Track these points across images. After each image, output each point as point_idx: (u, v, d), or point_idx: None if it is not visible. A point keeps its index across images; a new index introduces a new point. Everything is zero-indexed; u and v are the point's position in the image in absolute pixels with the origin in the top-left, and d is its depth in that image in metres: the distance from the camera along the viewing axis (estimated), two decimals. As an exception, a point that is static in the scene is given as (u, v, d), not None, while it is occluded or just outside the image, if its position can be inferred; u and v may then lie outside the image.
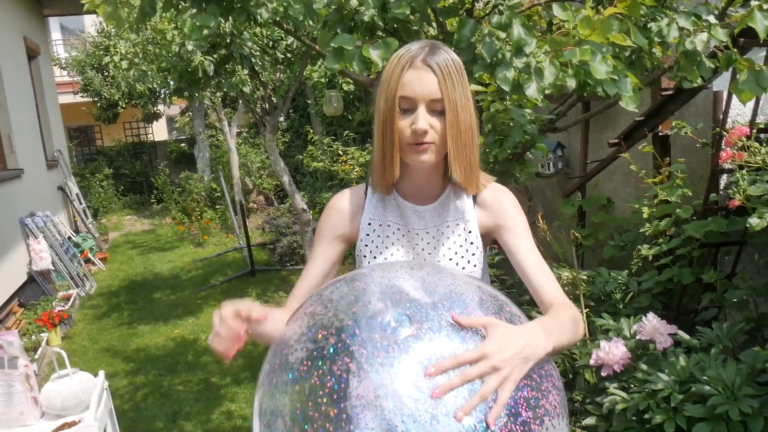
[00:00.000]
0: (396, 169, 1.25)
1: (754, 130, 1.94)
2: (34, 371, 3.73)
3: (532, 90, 1.66)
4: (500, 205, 1.33)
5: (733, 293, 2.56)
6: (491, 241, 1.39)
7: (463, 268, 1.31)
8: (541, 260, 1.31)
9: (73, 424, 2.23)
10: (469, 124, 1.23)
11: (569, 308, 1.20)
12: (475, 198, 1.33)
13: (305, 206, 5.69)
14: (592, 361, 2.31)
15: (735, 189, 1.93)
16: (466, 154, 1.24)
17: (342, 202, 1.38)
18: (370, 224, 1.34)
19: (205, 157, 11.54)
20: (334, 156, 7.44)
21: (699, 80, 1.83)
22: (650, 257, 3.05)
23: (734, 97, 3.08)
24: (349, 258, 1.37)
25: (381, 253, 1.33)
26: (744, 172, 1.91)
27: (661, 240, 2.89)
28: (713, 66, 1.72)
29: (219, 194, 9.97)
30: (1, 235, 5.65)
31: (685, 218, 2.79)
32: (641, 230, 3.19)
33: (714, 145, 3.05)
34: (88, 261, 7.65)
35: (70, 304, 5.90)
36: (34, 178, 7.12)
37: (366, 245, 1.34)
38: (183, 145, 13.57)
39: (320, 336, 0.99)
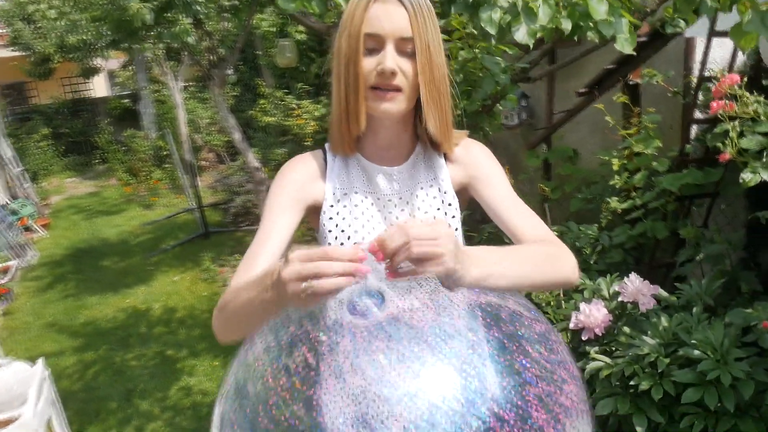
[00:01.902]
0: (361, 120, 1.07)
1: (745, 79, 1.80)
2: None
3: (521, 33, 1.47)
4: (472, 156, 1.19)
5: (710, 247, 2.47)
6: (467, 201, 1.24)
7: None
8: (520, 202, 1.16)
9: (9, 422, 2.01)
10: (444, 71, 1.08)
11: (548, 244, 1.06)
12: (446, 155, 1.17)
13: (258, 164, 5.43)
14: (572, 325, 2.20)
15: (726, 142, 1.80)
16: (441, 104, 1.08)
17: (298, 168, 1.17)
18: (334, 194, 1.15)
19: (150, 113, 11.02)
20: (287, 110, 7.13)
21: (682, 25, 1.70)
22: (619, 211, 2.95)
23: (702, 44, 2.97)
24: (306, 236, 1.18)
25: (350, 225, 1.14)
26: (736, 123, 1.78)
27: (634, 194, 2.78)
28: (715, 5, 1.56)
29: (167, 153, 9.55)
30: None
31: (659, 171, 2.68)
32: (611, 183, 3.08)
33: (686, 95, 2.93)
34: (27, 229, 7.24)
35: (9, 276, 5.56)
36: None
37: (331, 218, 1.14)
38: (126, 101, 12.92)
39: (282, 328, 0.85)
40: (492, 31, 1.48)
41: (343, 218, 1.14)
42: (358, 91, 1.05)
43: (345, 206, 1.14)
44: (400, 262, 0.80)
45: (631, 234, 2.87)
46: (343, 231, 1.14)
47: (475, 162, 1.19)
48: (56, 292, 5.53)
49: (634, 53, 1.53)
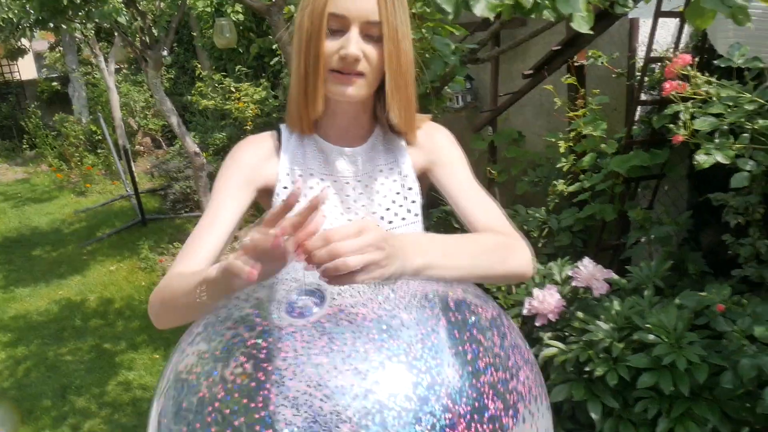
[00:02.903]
0: (319, 102, 1.02)
1: (697, 59, 1.78)
2: None
3: (480, 8, 1.40)
4: (434, 141, 1.14)
5: (658, 228, 2.49)
6: (427, 187, 1.19)
7: (403, 218, 1.11)
8: (479, 191, 1.11)
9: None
10: (411, 57, 1.03)
11: (499, 235, 1.02)
12: (406, 140, 1.12)
13: (197, 149, 5.24)
14: (525, 311, 2.17)
15: (679, 123, 1.78)
16: (407, 93, 1.03)
17: (250, 149, 1.10)
18: (288, 174, 1.08)
19: (82, 96, 10.53)
20: (225, 93, 6.91)
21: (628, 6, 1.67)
22: (566, 193, 2.95)
23: (645, 25, 2.98)
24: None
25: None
26: (689, 104, 1.77)
27: (582, 176, 2.78)
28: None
29: (100, 137, 9.14)
30: None
31: (607, 153, 2.68)
32: (558, 165, 3.08)
33: (630, 76, 2.94)
34: (-50, 219, 6.83)
35: (-69, 269, 5.23)
36: None
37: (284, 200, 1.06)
38: (55, 84, 12.31)
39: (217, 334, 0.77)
40: (449, 8, 1.40)
41: (298, 201, 1.06)
42: (318, 72, 0.99)
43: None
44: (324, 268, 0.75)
45: (578, 217, 2.87)
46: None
47: (437, 147, 1.14)
48: (-17, 284, 5.23)
49: (591, 32, 1.49)
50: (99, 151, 9.16)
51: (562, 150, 2.99)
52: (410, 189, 1.11)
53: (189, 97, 7.60)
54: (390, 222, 1.10)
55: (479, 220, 1.07)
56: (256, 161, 1.10)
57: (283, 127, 1.13)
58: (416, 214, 1.12)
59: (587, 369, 1.98)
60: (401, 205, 1.11)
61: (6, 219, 7.18)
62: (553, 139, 3.03)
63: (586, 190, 2.78)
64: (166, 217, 6.49)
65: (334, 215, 1.09)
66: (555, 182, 3.03)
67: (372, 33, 0.97)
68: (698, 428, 1.83)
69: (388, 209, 1.11)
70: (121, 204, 7.20)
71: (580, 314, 2.11)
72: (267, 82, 6.43)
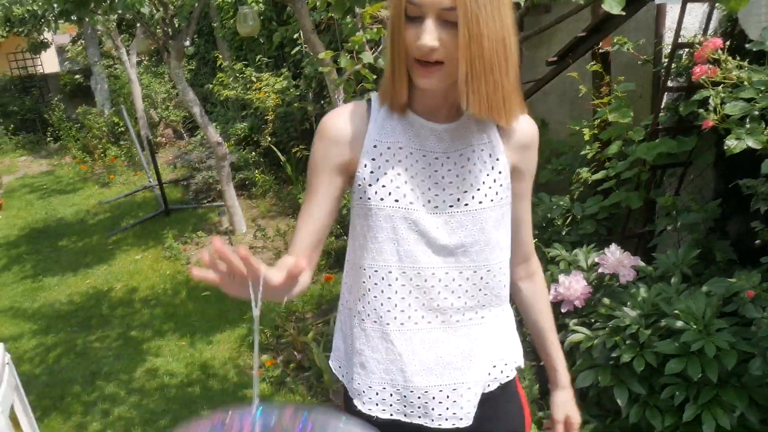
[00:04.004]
0: (404, 90, 1.04)
1: (727, 43, 1.77)
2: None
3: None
4: (530, 147, 1.16)
5: (686, 216, 2.47)
6: None
7: (491, 200, 1.11)
8: (530, 207, 1.23)
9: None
10: (499, 38, 0.97)
11: (543, 288, 1.33)
12: (499, 126, 1.11)
13: (220, 139, 5.29)
14: (551, 297, 2.17)
15: (709, 108, 1.77)
16: (491, 79, 0.98)
17: (337, 123, 1.12)
18: (375, 147, 1.09)
19: (104, 89, 10.64)
20: (246, 83, 6.94)
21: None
22: (590, 181, 2.94)
23: (672, 11, 2.95)
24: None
25: (392, 181, 1.08)
26: (719, 89, 1.75)
27: (608, 164, 2.77)
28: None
29: (122, 129, 9.24)
30: None
31: (634, 140, 2.66)
32: (582, 153, 3.07)
33: (656, 63, 2.91)
34: (-22, 210, 6.95)
35: (-39, 259, 5.33)
36: None
37: (372, 172, 1.09)
38: (77, 77, 12.45)
39: None
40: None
41: (385, 173, 1.09)
42: (402, 61, 1.01)
43: (387, 161, 1.09)
44: None
45: (603, 205, 2.86)
46: (384, 186, 1.09)
47: (530, 155, 1.16)
48: (13, 274, 5.32)
49: (623, 13, 1.49)
50: (122, 142, 9.26)
51: (586, 138, 2.97)
52: (500, 173, 1.11)
53: (210, 86, 7.63)
54: (480, 202, 1.10)
55: (526, 250, 1.28)
56: (345, 135, 1.11)
57: (374, 97, 1.13)
58: (504, 197, 1.13)
59: (614, 355, 1.98)
60: (490, 187, 1.11)
61: (32, 210, 7.30)
62: (578, 127, 3.02)
63: (611, 178, 2.77)
64: (189, 207, 6.55)
65: (421, 190, 1.09)
66: (579, 170, 3.01)
67: (450, 18, 0.95)
68: (726, 415, 1.83)
69: (478, 189, 1.10)
70: (144, 195, 7.28)
71: (606, 300, 2.11)
72: (288, 72, 6.44)
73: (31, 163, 10.23)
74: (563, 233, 3.01)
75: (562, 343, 2.11)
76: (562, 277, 2.15)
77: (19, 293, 4.88)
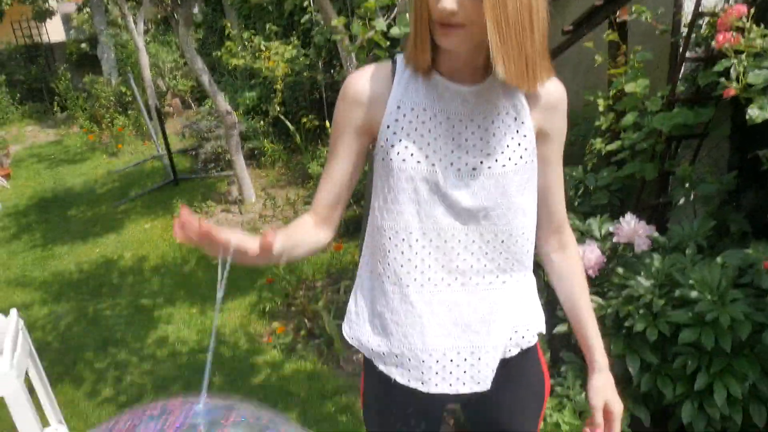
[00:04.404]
0: (427, 51, 1.02)
1: (751, 11, 1.73)
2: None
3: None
4: (557, 110, 1.13)
5: (702, 187, 2.45)
6: None
7: (515, 163, 1.09)
8: (561, 172, 1.19)
9: (-14, 376, 1.93)
10: (525, 2, 0.94)
11: (578, 261, 1.28)
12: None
13: (228, 107, 5.26)
14: (564, 268, 2.17)
15: (731, 77, 1.74)
16: (518, 42, 0.95)
17: (361, 84, 1.11)
18: (399, 108, 1.09)
19: (111, 58, 10.57)
20: (255, 52, 6.88)
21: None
22: (604, 152, 2.91)
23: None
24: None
25: (414, 142, 1.08)
26: (742, 57, 1.72)
27: (623, 135, 2.74)
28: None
29: (130, 98, 9.20)
30: None
31: (649, 110, 2.63)
32: (597, 124, 3.04)
33: (675, 32, 2.86)
34: (-13, 179, 6.97)
35: (-28, 227, 5.36)
36: None
37: (394, 133, 1.08)
38: (84, 45, 12.35)
39: None
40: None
41: (408, 134, 1.08)
42: (424, 23, 0.99)
43: (411, 122, 1.08)
44: None
45: (617, 176, 2.84)
46: (406, 147, 1.08)
47: (558, 120, 1.13)
48: (23, 242, 5.35)
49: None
50: (129, 112, 9.23)
51: (601, 108, 2.94)
52: (525, 136, 1.10)
53: (218, 55, 7.57)
54: (503, 165, 1.09)
55: (558, 219, 1.23)
56: (368, 96, 1.11)
57: (399, 58, 1.12)
58: (529, 161, 1.11)
59: (626, 324, 1.98)
60: (514, 150, 1.09)
61: (41, 180, 7.32)
62: (592, 98, 2.98)
63: (626, 149, 2.74)
64: (198, 176, 6.55)
65: (444, 152, 1.08)
66: (593, 141, 2.99)
67: None
68: (737, 384, 1.83)
69: (502, 152, 1.09)
70: (152, 164, 7.28)
71: (620, 270, 2.10)
72: (297, 41, 6.37)
73: (38, 132, 10.22)
74: (576, 204, 3.00)
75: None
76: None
77: (30, 262, 4.91)
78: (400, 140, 1.08)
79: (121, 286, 4.30)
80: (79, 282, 4.44)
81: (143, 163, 7.37)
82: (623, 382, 2.13)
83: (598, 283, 2.17)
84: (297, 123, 6.04)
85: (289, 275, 3.76)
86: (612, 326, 2.04)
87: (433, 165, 1.08)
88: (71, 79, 10.87)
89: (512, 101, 1.09)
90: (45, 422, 2.30)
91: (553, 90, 1.11)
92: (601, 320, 2.07)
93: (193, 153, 7.30)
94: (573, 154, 3.34)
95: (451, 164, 1.09)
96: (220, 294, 0.87)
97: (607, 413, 1.22)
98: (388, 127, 1.09)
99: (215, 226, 0.90)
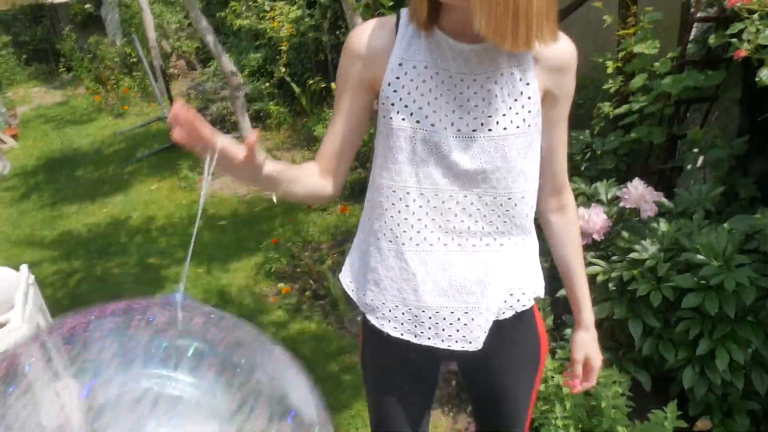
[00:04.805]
0: (425, 7, 1.01)
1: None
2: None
3: None
4: (565, 71, 1.10)
5: (712, 152, 2.43)
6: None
7: (517, 126, 1.07)
8: (565, 134, 1.17)
9: (-2, 329, 1.96)
10: None
11: (575, 222, 1.29)
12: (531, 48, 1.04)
13: (234, 68, 5.22)
14: (569, 231, 2.17)
15: (743, 38, 1.71)
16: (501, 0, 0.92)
17: (362, 39, 1.10)
18: (401, 65, 1.07)
19: (115, 18, 10.45)
20: (260, 12, 6.79)
21: None
22: (612, 116, 2.89)
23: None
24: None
25: (414, 101, 1.07)
26: (755, 17, 1.69)
27: (631, 98, 2.71)
28: None
29: (135, 60, 9.13)
30: None
31: (659, 73, 2.59)
32: (605, 87, 3.00)
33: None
34: (-5, 138, 6.97)
35: (-19, 186, 5.39)
36: None
37: (395, 91, 1.07)
38: (88, 6, 12.19)
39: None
40: None
41: (408, 93, 1.07)
42: None
43: (412, 80, 1.07)
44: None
45: (624, 140, 2.81)
46: (406, 106, 1.07)
47: (562, 74, 1.09)
48: (32, 202, 5.38)
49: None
50: (134, 73, 9.17)
51: (609, 70, 2.90)
52: (529, 98, 1.07)
53: (222, 14, 7.48)
54: (504, 128, 1.07)
55: (559, 180, 1.21)
56: (369, 52, 1.10)
57: (403, 12, 1.10)
58: (533, 125, 1.09)
59: (630, 288, 1.98)
60: (517, 113, 1.07)
61: (48, 140, 7.32)
62: (601, 59, 2.94)
63: (634, 113, 2.71)
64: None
65: (444, 112, 1.07)
66: (600, 104, 2.96)
67: None
68: (740, 350, 1.84)
69: (504, 115, 1.07)
70: (158, 125, 7.26)
71: (625, 234, 2.10)
72: (302, 1, 6.28)
73: (44, 93, 10.19)
74: (582, 168, 2.99)
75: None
76: (581, 210, 2.14)
77: (39, 221, 4.94)
78: (401, 99, 1.07)
79: (128, 246, 4.33)
80: (87, 241, 4.47)
81: (149, 124, 7.35)
82: (625, 347, 2.15)
83: (603, 247, 2.18)
84: (302, 85, 5.99)
85: (295, 236, 3.77)
86: (615, 290, 2.05)
87: (433, 125, 1.07)
88: (76, 40, 10.77)
89: (518, 62, 1.06)
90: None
91: (564, 50, 1.08)
92: (604, 284, 2.08)
93: (199, 114, 7.27)
94: (580, 118, 3.31)
95: (452, 124, 1.07)
96: (205, 188, 0.88)
97: (587, 366, 1.31)
98: (389, 84, 1.08)
99: (206, 123, 0.89)
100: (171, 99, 6.38)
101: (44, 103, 9.41)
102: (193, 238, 0.92)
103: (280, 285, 3.49)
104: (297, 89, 5.94)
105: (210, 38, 5.07)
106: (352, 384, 2.67)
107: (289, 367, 0.79)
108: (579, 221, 2.16)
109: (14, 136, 7.43)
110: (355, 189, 4.10)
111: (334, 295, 3.13)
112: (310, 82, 5.73)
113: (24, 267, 2.36)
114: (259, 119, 6.38)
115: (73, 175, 5.97)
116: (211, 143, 0.89)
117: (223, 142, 0.90)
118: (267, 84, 6.57)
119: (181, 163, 5.70)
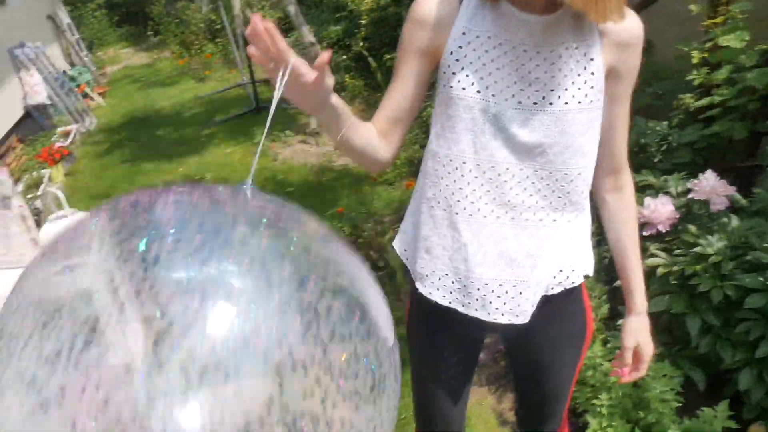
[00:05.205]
0: None
1: None
2: (39, 209, 3.60)
3: None
4: (632, 47, 1.08)
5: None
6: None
7: (579, 102, 1.06)
8: (628, 113, 1.15)
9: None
10: None
11: (632, 204, 1.26)
12: (598, 23, 1.04)
13: (313, 39, 5.29)
14: (633, 220, 2.13)
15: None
16: None
17: (427, 6, 1.10)
18: (464, 34, 1.07)
19: (203, -16, 10.74)
20: (342, -15, 6.85)
21: None
22: (692, 108, 2.79)
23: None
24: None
25: (476, 71, 1.07)
26: None
27: (716, 90, 2.61)
28: None
29: (219, 27, 9.38)
30: (-11, 66, 5.31)
31: (746, 66, 2.49)
32: (688, 78, 2.90)
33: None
34: (85, 96, 7.32)
35: (70, 140, 5.68)
36: (20, 4, 6.58)
37: (457, 60, 1.07)
38: (179, -29, 12.61)
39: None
40: None
41: (471, 62, 1.07)
42: None
43: (474, 50, 1.07)
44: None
45: (703, 133, 2.72)
46: (467, 76, 1.07)
47: (628, 50, 1.08)
48: (114, 157, 5.65)
49: None
50: (218, 40, 9.42)
51: (694, 61, 2.80)
52: (593, 74, 1.06)
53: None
54: (566, 103, 1.07)
55: (618, 161, 1.21)
56: (433, 20, 1.10)
57: None
58: (595, 101, 1.08)
59: (691, 283, 1.94)
60: (579, 88, 1.06)
61: (133, 100, 7.64)
62: (686, 49, 2.84)
63: (716, 106, 2.62)
64: (279, 106, 6.64)
65: (506, 83, 1.07)
66: (682, 96, 2.86)
67: None
68: (803, 356, 1.78)
69: (566, 89, 1.06)
70: (237, 92, 7.45)
71: (692, 228, 2.05)
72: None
73: (133, 55, 10.61)
74: (656, 160, 2.90)
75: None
76: (647, 200, 2.10)
77: (119, 175, 5.19)
78: (462, 68, 1.07)
79: (200, 206, 4.49)
80: (162, 198, 4.67)
81: (228, 90, 7.55)
82: (681, 343, 2.10)
83: (667, 239, 2.13)
84: (379, 59, 6.01)
85: (360, 207, 3.83)
86: (676, 284, 2.00)
87: (494, 96, 1.07)
88: (165, 5, 11.14)
89: (583, 36, 1.05)
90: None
91: (630, 26, 1.07)
92: (665, 277, 2.04)
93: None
94: (659, 108, 3.22)
95: (513, 96, 1.07)
96: (273, 109, 0.90)
97: (637, 354, 1.27)
98: (451, 53, 1.08)
99: (281, 37, 0.90)
100: (251, 67, 6.52)
101: (132, 64, 9.80)
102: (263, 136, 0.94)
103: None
104: (374, 63, 5.97)
105: (292, 8, 5.15)
106: (404, 353, 2.71)
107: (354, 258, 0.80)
108: (637, 206, 2.12)
109: (102, 94, 7.79)
110: (419, 165, 4.10)
111: (392, 266, 3.18)
112: (387, 57, 5.75)
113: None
114: (334, 91, 6.45)
115: (154, 135, 6.22)
116: (284, 59, 0.90)
117: (296, 58, 0.91)
118: (344, 57, 6.62)
119: (256, 129, 5.84)
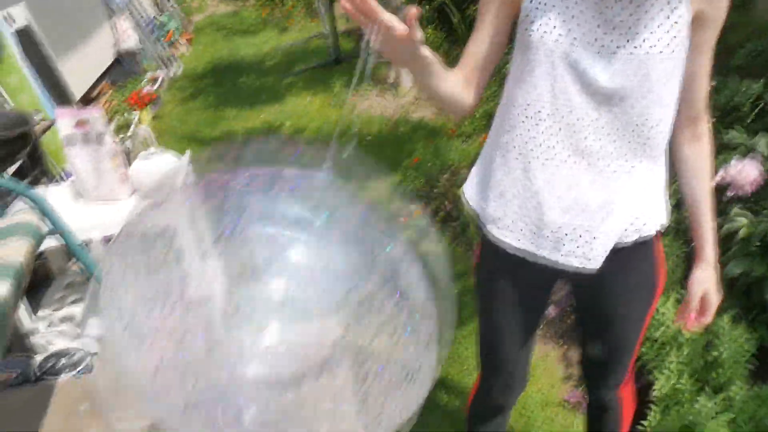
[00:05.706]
0: None
1: None
2: (128, 148, 3.79)
3: None
4: None
5: None
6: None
7: (660, 51, 1.05)
8: (710, 62, 1.13)
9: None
10: None
11: (709, 154, 1.23)
12: None
13: (399, -6, 5.24)
14: (717, 179, 2.06)
15: None
16: None
17: None
18: None
19: (288, -66, 10.73)
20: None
21: None
22: (792, 67, 2.64)
23: None
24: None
25: (558, 15, 1.06)
26: None
27: (819, 47, 2.45)
28: None
29: (303, -24, 9.40)
30: (85, 12, 5.53)
31: None
32: (790, 34, 2.74)
33: None
34: (172, 43, 7.54)
35: (158, 84, 5.91)
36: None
37: (537, 7, 1.07)
38: None
39: None
40: None
41: (553, 6, 1.07)
42: None
43: None
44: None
45: (801, 94, 2.58)
46: (549, 20, 1.07)
47: (720, 4, 1.06)
48: (198, 102, 5.84)
49: None
50: (301, -10, 9.44)
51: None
52: (676, 23, 1.04)
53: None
54: (651, 47, 1.05)
55: (698, 108, 1.18)
56: None
57: None
58: (677, 51, 1.06)
59: (775, 246, 1.88)
60: (665, 33, 1.05)
61: (217, 47, 7.82)
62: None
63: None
64: (359, 58, 6.67)
65: (588, 26, 1.06)
66: (781, 53, 2.71)
67: None
68: None
69: (652, 33, 1.04)
70: (317, 42, 7.49)
71: (780, 190, 1.97)
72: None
73: (218, 3, 10.77)
74: (749, 121, 2.77)
75: (720, 227, 2.04)
76: (734, 160, 2.02)
77: (202, 120, 5.38)
78: (544, 13, 1.06)
79: (278, 152, 4.62)
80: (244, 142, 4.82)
81: (309, 40, 7.60)
82: (758, 307, 2.05)
83: (753, 200, 2.05)
84: (462, 12, 5.90)
85: (435, 159, 3.85)
86: (758, 247, 1.94)
87: (575, 39, 1.06)
88: (251, -46, 11.21)
89: None
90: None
91: None
92: (747, 240, 1.98)
93: (359, 35, 7.41)
94: (754, 68, 3.05)
95: (595, 40, 1.05)
96: (368, 64, 0.97)
97: (704, 302, 1.28)
98: (531, 1, 1.08)
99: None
100: (333, 18, 6.54)
101: (217, 12, 9.98)
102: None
103: (412, 207, 3.59)
104: (456, 15, 5.87)
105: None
106: (470, 303, 2.75)
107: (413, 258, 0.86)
108: (722, 166, 2.05)
109: (188, 41, 8.00)
110: (498, 120, 4.05)
111: (466, 217, 3.20)
112: (469, 10, 5.63)
113: (187, 153, 2.61)
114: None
115: (236, 82, 6.37)
116: (375, 14, 0.93)
117: (387, 14, 0.94)
118: (426, 8, 6.53)
119: (334, 81, 5.89)
